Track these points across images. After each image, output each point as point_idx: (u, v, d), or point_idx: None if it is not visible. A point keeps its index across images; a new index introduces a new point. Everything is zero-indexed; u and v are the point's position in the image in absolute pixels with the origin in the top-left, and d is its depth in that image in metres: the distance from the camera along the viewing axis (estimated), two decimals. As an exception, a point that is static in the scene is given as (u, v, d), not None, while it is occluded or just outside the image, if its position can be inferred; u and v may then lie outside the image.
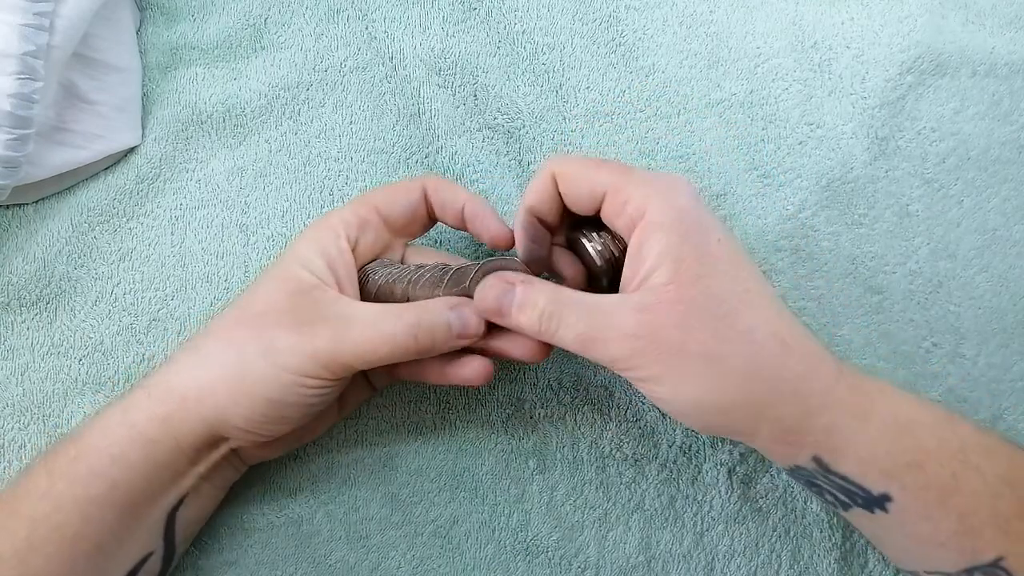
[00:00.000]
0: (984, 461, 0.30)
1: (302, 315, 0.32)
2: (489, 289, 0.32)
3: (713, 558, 0.38)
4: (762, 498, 0.39)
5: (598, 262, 0.34)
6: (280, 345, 0.31)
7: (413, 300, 0.34)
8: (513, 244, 0.35)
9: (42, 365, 0.40)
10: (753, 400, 0.30)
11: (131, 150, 0.42)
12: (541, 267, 0.35)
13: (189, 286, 0.40)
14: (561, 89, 0.42)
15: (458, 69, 0.43)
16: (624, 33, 0.43)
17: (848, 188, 0.41)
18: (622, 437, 0.39)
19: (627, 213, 0.31)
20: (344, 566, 0.38)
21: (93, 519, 0.31)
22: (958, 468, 0.30)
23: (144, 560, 0.33)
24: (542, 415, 0.40)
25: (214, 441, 0.33)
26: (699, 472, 0.39)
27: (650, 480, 0.39)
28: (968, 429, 0.31)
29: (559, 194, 0.33)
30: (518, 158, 0.42)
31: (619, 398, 0.40)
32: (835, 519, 0.38)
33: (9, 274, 0.40)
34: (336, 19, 0.43)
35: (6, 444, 0.39)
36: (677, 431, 0.39)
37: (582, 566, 0.38)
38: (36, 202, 0.41)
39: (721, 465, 0.39)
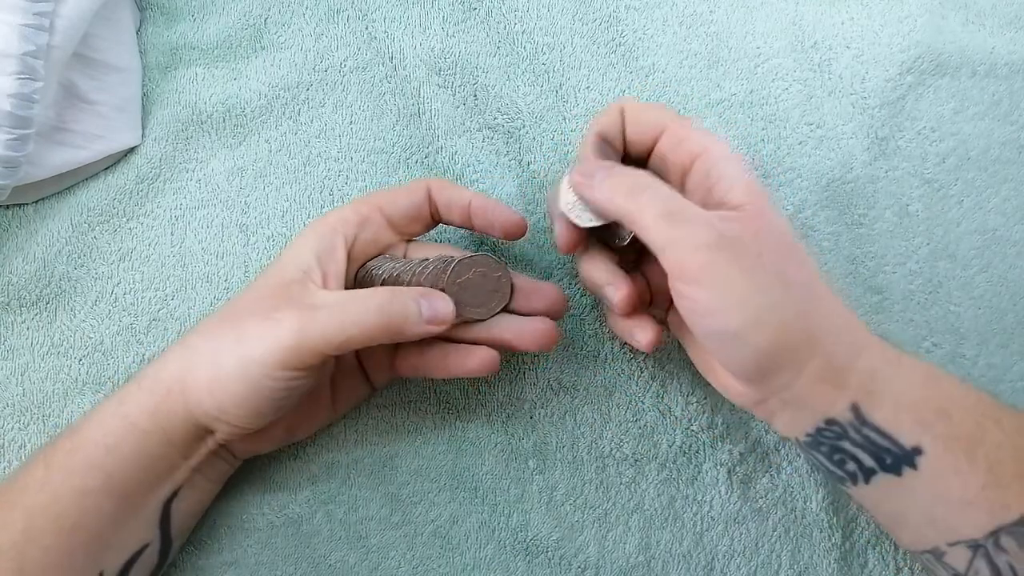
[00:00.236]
0: (1001, 413, 0.31)
1: (275, 305, 0.32)
2: (584, 161, 0.34)
3: (713, 558, 0.38)
4: (762, 498, 0.39)
5: (623, 234, 0.35)
6: (249, 334, 0.32)
7: None
8: (524, 232, 0.36)
9: (42, 365, 0.40)
10: (812, 326, 0.30)
11: (131, 150, 0.42)
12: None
13: (189, 286, 0.41)
14: (561, 89, 0.42)
15: (458, 69, 0.43)
16: (624, 33, 0.43)
17: (848, 188, 0.41)
18: (622, 437, 0.39)
19: (684, 148, 0.33)
20: (344, 566, 0.38)
21: (90, 510, 0.31)
22: (980, 418, 0.30)
23: (140, 551, 0.33)
24: (542, 415, 0.40)
25: (200, 433, 0.33)
26: (699, 472, 0.39)
27: (650, 480, 0.39)
28: (975, 388, 0.32)
29: (623, 127, 0.35)
30: (518, 158, 0.42)
31: (619, 398, 0.40)
32: (835, 519, 0.38)
33: (9, 274, 0.40)
34: (336, 19, 0.43)
35: (6, 444, 0.39)
36: (677, 431, 0.39)
37: (582, 566, 0.38)
38: (36, 202, 0.41)
39: (721, 465, 0.39)
